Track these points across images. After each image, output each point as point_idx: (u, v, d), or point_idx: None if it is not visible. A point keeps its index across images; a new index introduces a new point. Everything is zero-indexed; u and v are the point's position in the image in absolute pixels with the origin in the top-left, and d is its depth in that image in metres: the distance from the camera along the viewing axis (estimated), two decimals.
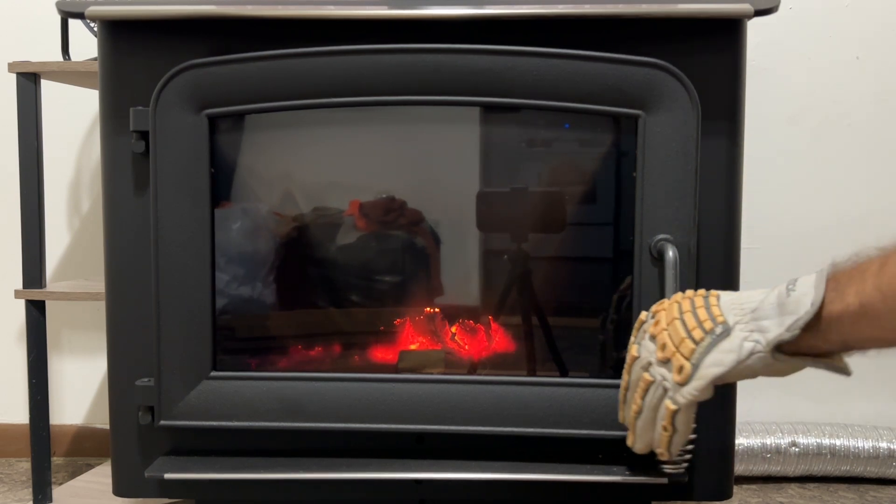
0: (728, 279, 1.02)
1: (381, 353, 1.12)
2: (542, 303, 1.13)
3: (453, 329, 1.12)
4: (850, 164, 1.51)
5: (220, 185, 1.05)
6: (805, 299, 0.73)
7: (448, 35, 0.98)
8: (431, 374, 1.08)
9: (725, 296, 0.81)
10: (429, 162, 1.13)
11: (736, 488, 1.29)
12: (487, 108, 1.04)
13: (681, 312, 0.81)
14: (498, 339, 1.12)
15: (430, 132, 1.10)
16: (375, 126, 1.09)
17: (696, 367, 0.78)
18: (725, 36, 1.00)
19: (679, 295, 0.84)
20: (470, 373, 1.11)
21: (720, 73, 1.00)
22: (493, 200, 1.10)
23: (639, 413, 0.84)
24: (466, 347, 1.12)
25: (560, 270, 1.14)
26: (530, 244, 1.11)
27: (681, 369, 0.78)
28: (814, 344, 0.74)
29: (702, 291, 0.83)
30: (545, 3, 0.98)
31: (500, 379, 1.02)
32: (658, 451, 0.84)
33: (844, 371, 0.76)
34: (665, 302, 0.85)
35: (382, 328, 1.12)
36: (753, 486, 1.44)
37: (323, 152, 1.13)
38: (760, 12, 0.97)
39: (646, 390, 0.83)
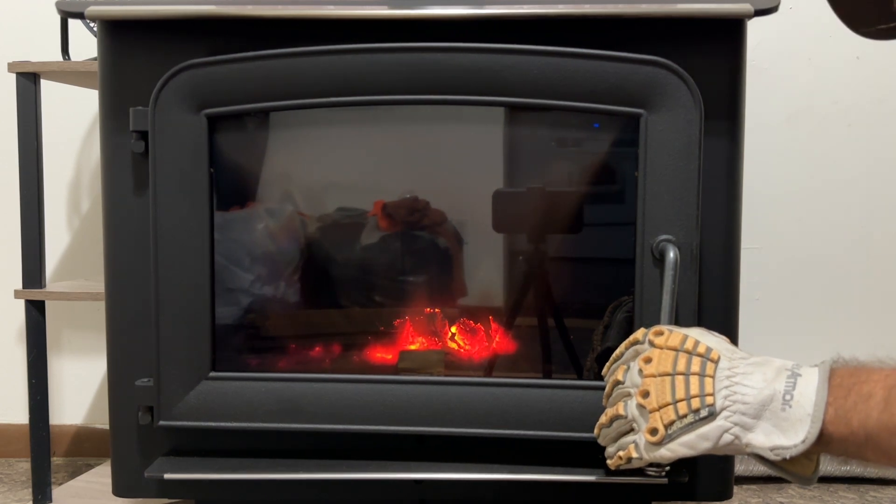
0: (728, 279, 1.02)
1: (384, 354, 1.12)
2: (548, 304, 1.12)
3: (453, 329, 1.12)
4: (850, 165, 1.51)
5: (222, 186, 1.05)
6: (800, 428, 0.70)
7: (448, 35, 0.98)
8: (432, 375, 1.08)
9: (725, 361, 0.77)
10: (429, 162, 1.13)
11: (736, 488, 1.28)
12: (489, 108, 1.04)
13: (675, 368, 0.78)
14: (501, 340, 1.12)
15: (429, 132, 1.10)
16: (376, 126, 1.09)
17: (669, 437, 0.77)
18: (726, 36, 1.00)
19: (679, 336, 0.81)
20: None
21: (720, 73, 1.00)
22: (508, 200, 1.09)
23: (607, 425, 0.85)
24: (467, 348, 1.12)
25: (564, 271, 1.14)
26: (534, 246, 1.11)
27: (654, 431, 0.77)
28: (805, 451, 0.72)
29: (703, 345, 0.79)
30: (546, 2, 0.98)
31: (501, 381, 1.02)
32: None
33: (809, 481, 0.75)
34: (665, 333, 0.82)
35: (382, 328, 1.12)
36: (753, 487, 1.44)
37: (324, 152, 1.12)
38: (760, 12, 0.97)
39: (615, 417, 0.83)
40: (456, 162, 1.12)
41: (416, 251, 1.12)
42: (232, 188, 1.09)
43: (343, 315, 1.15)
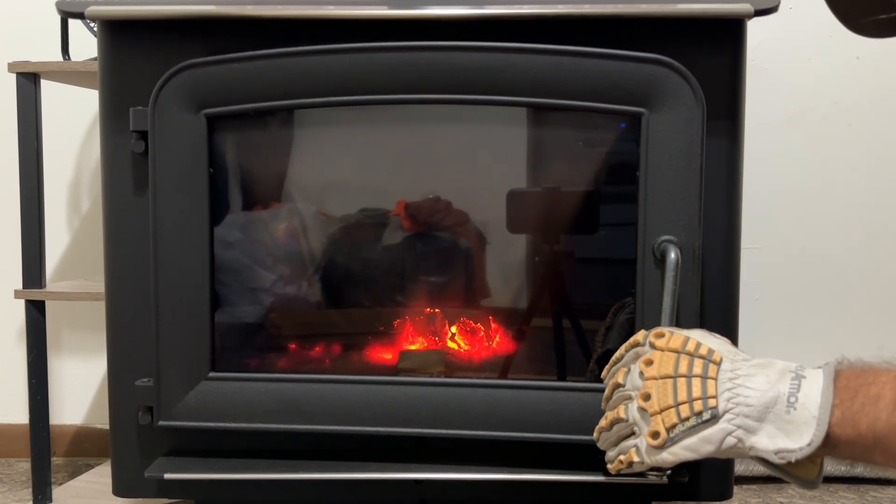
0: (728, 279, 1.02)
1: (387, 355, 1.12)
2: (557, 305, 1.12)
3: (453, 329, 1.12)
4: (850, 164, 1.51)
5: (222, 186, 1.05)
6: (805, 430, 0.69)
7: (449, 35, 0.98)
8: (432, 375, 1.07)
9: (727, 363, 0.76)
10: (429, 162, 1.13)
11: (736, 488, 1.28)
12: (491, 107, 1.04)
13: (677, 371, 0.77)
14: (505, 340, 1.12)
15: (428, 132, 1.10)
16: (376, 126, 1.09)
17: (671, 441, 0.76)
18: (726, 36, 1.00)
19: (681, 338, 0.80)
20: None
21: (721, 73, 1.00)
22: (519, 201, 1.08)
23: (607, 429, 0.84)
24: (467, 349, 1.12)
25: (574, 272, 1.13)
26: (548, 246, 1.10)
27: (656, 435, 0.76)
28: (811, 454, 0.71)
29: (705, 347, 0.78)
30: (546, 2, 0.98)
31: (501, 382, 1.02)
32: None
33: (813, 485, 0.74)
34: (666, 335, 0.81)
35: (382, 328, 1.12)
36: (753, 487, 1.44)
37: (323, 152, 1.12)
38: (760, 12, 0.97)
39: (616, 421, 0.82)
40: (455, 162, 1.11)
41: (425, 253, 1.11)
42: (233, 188, 1.09)
43: (343, 315, 1.15)
